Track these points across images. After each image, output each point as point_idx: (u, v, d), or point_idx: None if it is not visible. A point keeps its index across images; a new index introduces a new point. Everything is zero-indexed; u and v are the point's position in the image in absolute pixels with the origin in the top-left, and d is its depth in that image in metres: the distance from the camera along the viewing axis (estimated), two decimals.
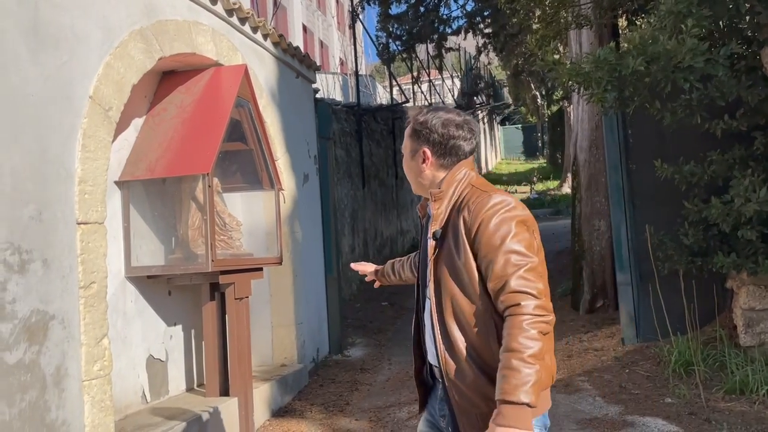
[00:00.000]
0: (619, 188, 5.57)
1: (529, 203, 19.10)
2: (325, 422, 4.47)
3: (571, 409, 4.24)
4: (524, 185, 22.55)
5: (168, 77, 4.44)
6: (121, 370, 3.83)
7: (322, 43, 28.90)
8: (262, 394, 4.58)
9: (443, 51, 10.67)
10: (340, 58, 30.93)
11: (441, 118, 1.89)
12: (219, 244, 4.31)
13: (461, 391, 1.74)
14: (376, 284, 2.52)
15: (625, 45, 4.83)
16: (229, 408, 4.12)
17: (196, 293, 4.48)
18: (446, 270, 1.78)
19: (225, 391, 4.25)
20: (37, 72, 2.86)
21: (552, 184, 23.23)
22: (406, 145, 1.95)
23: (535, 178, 22.76)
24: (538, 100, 31.79)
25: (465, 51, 23.27)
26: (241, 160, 4.80)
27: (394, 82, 11.57)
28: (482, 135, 27.39)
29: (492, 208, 1.72)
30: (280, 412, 4.75)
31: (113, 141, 3.91)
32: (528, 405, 1.56)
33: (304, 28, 25.98)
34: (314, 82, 6.47)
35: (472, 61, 17.66)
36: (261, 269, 4.56)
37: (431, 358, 1.84)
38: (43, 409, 2.73)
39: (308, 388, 5.28)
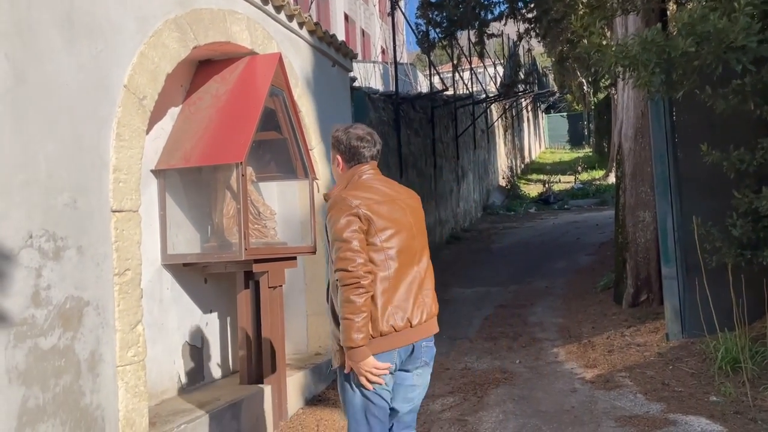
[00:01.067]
0: (665, 178, 5.36)
1: (573, 193, 18.71)
2: None
3: (610, 406, 4.11)
4: (568, 175, 22.06)
5: (204, 66, 4.46)
6: (157, 356, 3.89)
7: (363, 32, 28.81)
8: (295, 382, 4.60)
9: (485, 38, 10.46)
10: (382, 47, 30.77)
11: (346, 130, 2.54)
12: (253, 233, 4.32)
13: (332, 333, 2.44)
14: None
15: (673, 28, 4.61)
16: (262, 395, 4.14)
17: (231, 281, 4.51)
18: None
19: (259, 379, 4.28)
20: (72, 61, 2.89)
21: (597, 173, 22.66)
22: (332, 155, 2.58)
23: (579, 168, 22.23)
24: (584, 87, 31.03)
25: (507, 37, 22.84)
26: (277, 150, 4.80)
27: (434, 71, 11.44)
28: (525, 123, 26.92)
29: (329, 209, 2.37)
30: (313, 401, 4.76)
31: (149, 130, 3.97)
32: (353, 347, 2.23)
33: (346, 17, 25.94)
34: (351, 71, 6.42)
35: (514, 47, 17.31)
36: (295, 258, 4.56)
37: None
38: (77, 394, 2.79)
39: None
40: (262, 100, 4.17)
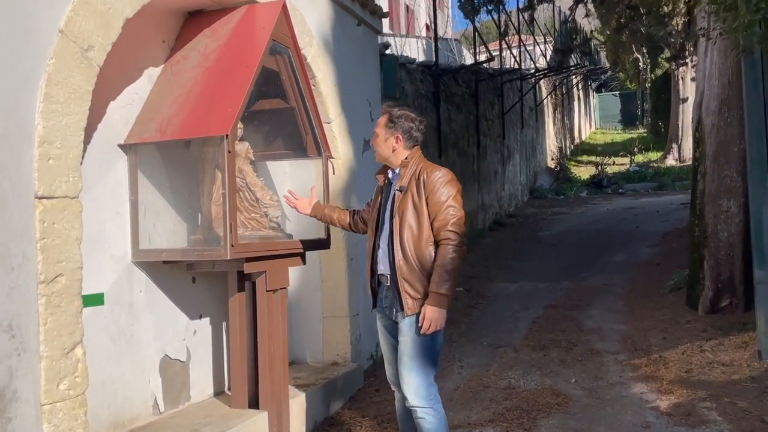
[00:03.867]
0: (763, 159, 4.33)
1: (629, 176, 17.38)
2: None
3: None
4: (622, 156, 20.63)
5: (194, 18, 3.65)
6: (124, 376, 3.14)
7: (407, 8, 27.88)
8: (301, 405, 3.81)
9: (534, 2, 9.36)
10: (426, 23, 29.75)
11: (409, 114, 2.98)
12: (249, 223, 3.53)
13: (410, 283, 2.79)
14: (303, 211, 3.46)
15: None
16: (257, 423, 3.37)
17: (227, 279, 3.72)
18: (408, 211, 2.82)
19: (254, 402, 3.50)
20: None
21: (654, 155, 21.14)
22: (381, 131, 2.97)
23: (635, 149, 20.76)
24: (640, 63, 29.20)
25: (559, 9, 21.41)
26: (285, 122, 3.97)
27: (479, 39, 10.37)
28: (576, 102, 25.43)
29: (441, 177, 2.81)
30: (325, 425, 3.97)
31: (116, 95, 3.20)
32: (446, 295, 2.73)
33: None
34: (380, 32, 5.52)
35: (565, 18, 15.99)
36: (301, 255, 3.73)
37: (383, 268, 2.89)
38: None
39: (362, 393, 4.47)
40: (258, 58, 3.33)
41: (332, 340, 4.67)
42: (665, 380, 4.24)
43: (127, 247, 3.22)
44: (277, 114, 3.94)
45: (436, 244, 2.79)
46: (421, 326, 2.74)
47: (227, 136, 3.06)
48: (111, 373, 3.07)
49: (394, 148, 2.92)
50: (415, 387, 2.80)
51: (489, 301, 6.73)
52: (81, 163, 2.94)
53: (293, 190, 4.55)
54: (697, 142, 5.85)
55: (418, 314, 2.76)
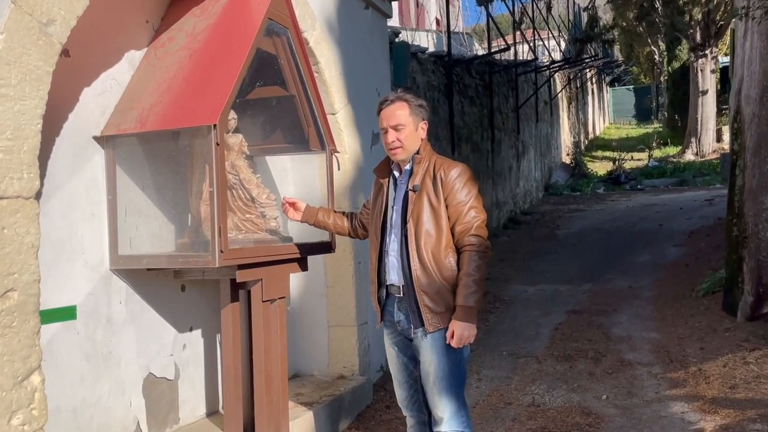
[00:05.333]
0: None
1: (647, 172, 16.86)
2: None
3: None
4: (639, 151, 20.08)
5: None
6: (100, 399, 2.77)
7: (417, 2, 27.53)
8: (304, 426, 3.43)
9: None
10: (436, 18, 29.38)
11: (420, 98, 2.68)
12: (243, 225, 3.15)
13: (429, 295, 2.48)
14: (293, 218, 3.04)
15: None
16: None
17: (223, 285, 3.34)
18: (424, 213, 2.50)
19: (251, 425, 3.13)
20: None
21: (671, 150, 20.59)
22: (409, 120, 2.57)
23: (654, 143, 20.20)
24: (656, 56, 28.55)
25: (573, 1, 20.88)
26: (286, 112, 3.58)
27: (493, 23, 9.89)
28: (590, 97, 24.86)
29: (461, 175, 2.52)
30: None
31: (92, 80, 2.83)
32: (475, 308, 2.45)
33: None
34: (390, 17, 5.11)
35: (581, 6, 15.47)
36: (302, 260, 3.35)
37: (394, 278, 2.57)
38: None
39: (371, 409, 4.08)
40: (251, 40, 2.94)
41: (338, 350, 4.28)
42: (707, 397, 3.82)
43: (105, 253, 2.85)
44: (276, 103, 3.55)
45: (457, 250, 2.50)
46: (449, 343, 2.47)
47: (215, 126, 2.67)
48: (85, 396, 2.71)
49: (422, 137, 2.62)
50: (451, 412, 2.51)
51: (507, 305, 6.32)
52: (49, 158, 2.61)
53: (295, 186, 4.22)
54: (735, 134, 5.40)
55: (441, 330, 2.48)
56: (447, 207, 2.48)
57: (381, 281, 2.64)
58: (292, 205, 3.00)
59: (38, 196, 2.15)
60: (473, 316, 2.45)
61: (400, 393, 2.72)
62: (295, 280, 4.28)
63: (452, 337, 2.43)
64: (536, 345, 5.10)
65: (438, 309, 2.47)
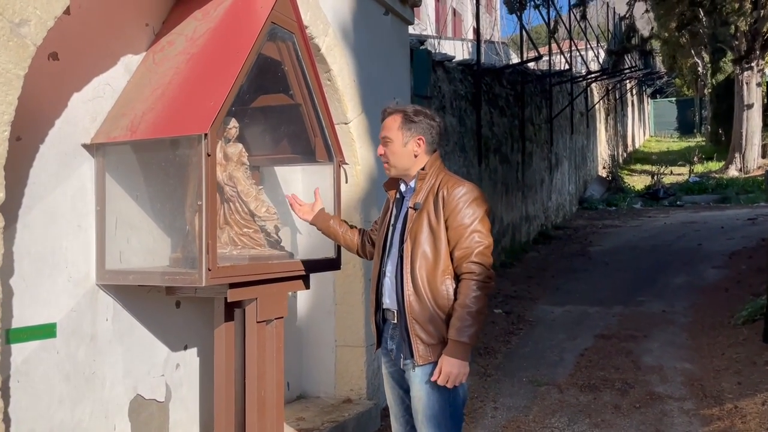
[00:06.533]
0: None
1: (688, 187, 16.25)
2: None
3: None
4: (680, 166, 19.41)
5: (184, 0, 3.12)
6: (80, 423, 2.62)
7: (455, 12, 27.44)
8: None
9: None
10: (473, 27, 29.22)
11: (427, 112, 2.43)
12: (240, 240, 2.97)
13: (421, 324, 2.26)
14: (303, 217, 2.91)
15: None
16: None
17: (217, 304, 3.17)
18: (422, 234, 2.29)
19: None
20: None
21: (714, 165, 19.86)
22: (397, 134, 2.38)
23: (695, 158, 19.50)
24: (699, 68, 27.70)
25: (613, 10, 20.40)
26: (292, 121, 3.40)
27: (526, 34, 9.61)
28: (630, 108, 24.23)
29: (465, 195, 2.27)
30: None
31: (82, 85, 2.69)
32: (469, 344, 2.20)
33: None
34: (411, 23, 4.91)
35: (621, 15, 15.00)
36: (304, 278, 3.15)
37: (389, 302, 2.38)
38: None
39: None
40: (250, 44, 2.76)
41: (346, 372, 4.08)
42: None
43: (91, 267, 2.70)
44: (282, 112, 3.38)
45: (456, 277, 2.28)
46: (436, 380, 2.23)
47: (206, 135, 2.50)
48: (63, 419, 2.55)
49: (416, 154, 2.39)
50: None
51: (531, 326, 6.01)
52: (31, 167, 2.48)
53: (305, 198, 4.03)
54: None
55: (432, 364, 2.26)
56: (447, 229, 2.27)
57: (378, 304, 2.46)
58: (302, 204, 2.90)
59: (4, 209, 2.00)
60: (465, 353, 2.21)
61: (395, 426, 2.51)
62: (302, 296, 4.10)
63: (440, 374, 2.20)
64: (559, 372, 4.79)
65: (430, 340, 2.26)
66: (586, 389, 4.40)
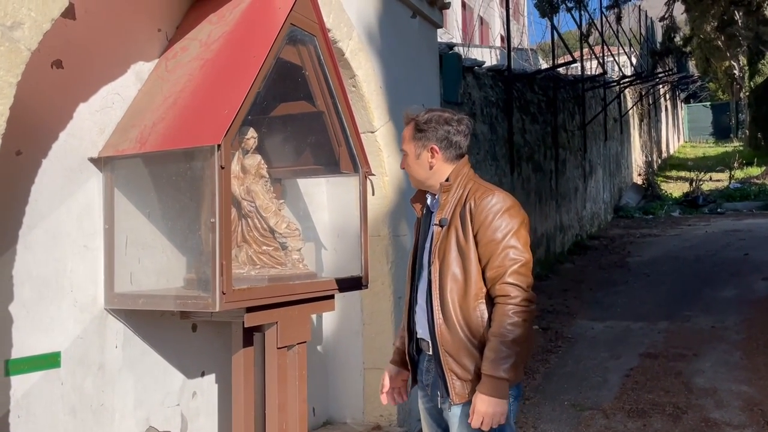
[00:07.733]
0: None
1: (729, 194, 15.65)
2: None
3: None
4: (719, 171, 18.75)
5: (199, 4, 2.95)
6: None
7: (482, 20, 27.26)
8: None
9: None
10: (501, 35, 28.99)
11: (442, 115, 2.14)
12: (259, 259, 2.77)
13: (454, 357, 1.99)
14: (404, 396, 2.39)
15: None
16: None
17: (235, 328, 2.96)
18: (451, 253, 2.01)
19: None
20: None
21: (754, 170, 19.14)
22: (410, 146, 2.15)
23: (735, 163, 18.83)
24: (735, 71, 26.92)
25: (645, 14, 19.90)
26: (315, 130, 3.19)
27: (558, 36, 9.30)
28: (664, 114, 23.60)
29: (495, 205, 1.99)
30: None
31: (90, 95, 2.51)
32: (506, 380, 1.90)
33: (463, 5, 24.72)
34: (440, 26, 4.68)
35: (653, 19, 14.56)
36: (329, 298, 2.92)
37: (422, 332, 2.11)
38: None
39: None
40: (268, 48, 2.56)
41: (375, 396, 3.80)
42: None
43: (98, 290, 2.51)
44: (304, 120, 3.17)
45: (491, 300, 1.99)
46: (472, 422, 1.96)
47: (219, 147, 2.29)
48: None
49: (432, 165, 2.13)
50: None
51: (570, 344, 5.68)
52: (33, 183, 2.30)
53: (330, 213, 3.83)
54: None
55: (469, 402, 1.98)
56: (477, 245, 1.99)
57: (411, 333, 2.20)
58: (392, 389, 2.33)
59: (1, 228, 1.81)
60: (502, 390, 1.91)
61: None
62: (328, 317, 3.87)
63: (473, 414, 1.92)
64: (603, 395, 4.46)
65: (466, 376, 1.99)
66: (635, 414, 4.07)
